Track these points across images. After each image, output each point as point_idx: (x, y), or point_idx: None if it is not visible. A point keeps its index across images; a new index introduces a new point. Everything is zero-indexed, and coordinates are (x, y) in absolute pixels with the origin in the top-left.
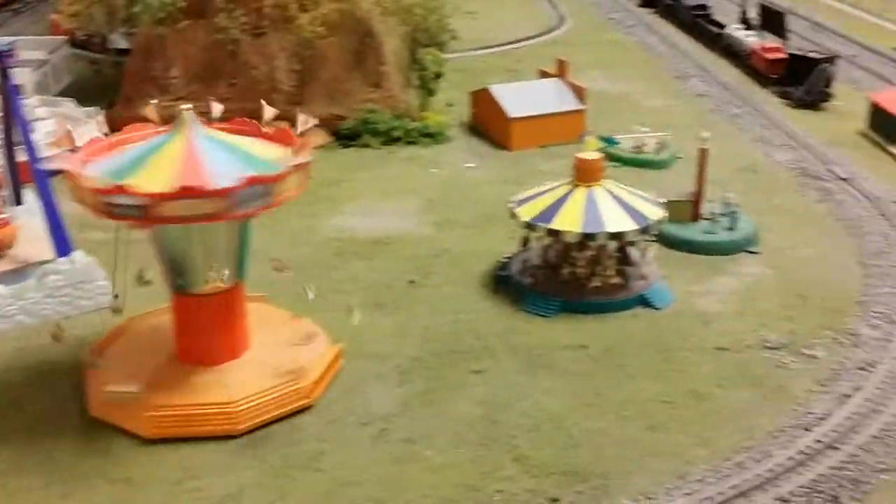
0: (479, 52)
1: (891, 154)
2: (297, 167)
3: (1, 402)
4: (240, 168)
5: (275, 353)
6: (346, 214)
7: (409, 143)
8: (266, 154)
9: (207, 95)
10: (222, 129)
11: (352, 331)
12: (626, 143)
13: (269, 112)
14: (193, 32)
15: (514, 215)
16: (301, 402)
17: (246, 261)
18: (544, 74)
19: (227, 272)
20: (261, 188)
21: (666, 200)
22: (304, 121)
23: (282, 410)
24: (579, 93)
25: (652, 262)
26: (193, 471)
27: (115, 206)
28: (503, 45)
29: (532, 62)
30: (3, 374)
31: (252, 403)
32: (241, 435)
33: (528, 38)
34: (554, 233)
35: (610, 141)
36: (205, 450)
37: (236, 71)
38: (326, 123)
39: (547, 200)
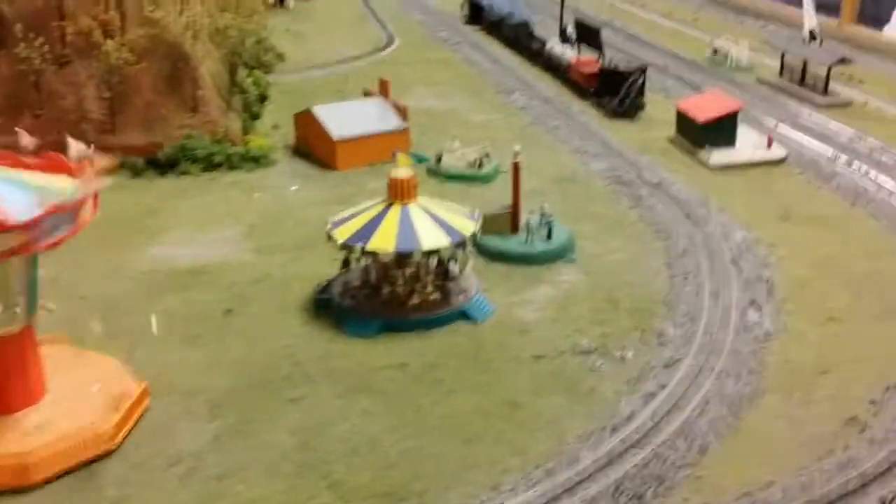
0: (307, 73)
1: (696, 158)
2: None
3: None
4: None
5: (74, 396)
6: (163, 245)
7: (232, 168)
8: (48, 183)
9: (12, 128)
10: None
11: (160, 367)
12: (454, 160)
13: (73, 146)
14: None
15: (330, 237)
16: (103, 447)
17: (35, 298)
18: (368, 94)
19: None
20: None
21: (483, 214)
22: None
23: (81, 457)
24: (402, 111)
25: (472, 276)
26: None
27: None
28: (332, 65)
29: (360, 82)
30: None
31: (48, 452)
32: (38, 486)
33: (356, 58)
34: (370, 253)
35: (421, 158)
36: None
37: (42, 102)
38: (143, 151)
39: (363, 220)
